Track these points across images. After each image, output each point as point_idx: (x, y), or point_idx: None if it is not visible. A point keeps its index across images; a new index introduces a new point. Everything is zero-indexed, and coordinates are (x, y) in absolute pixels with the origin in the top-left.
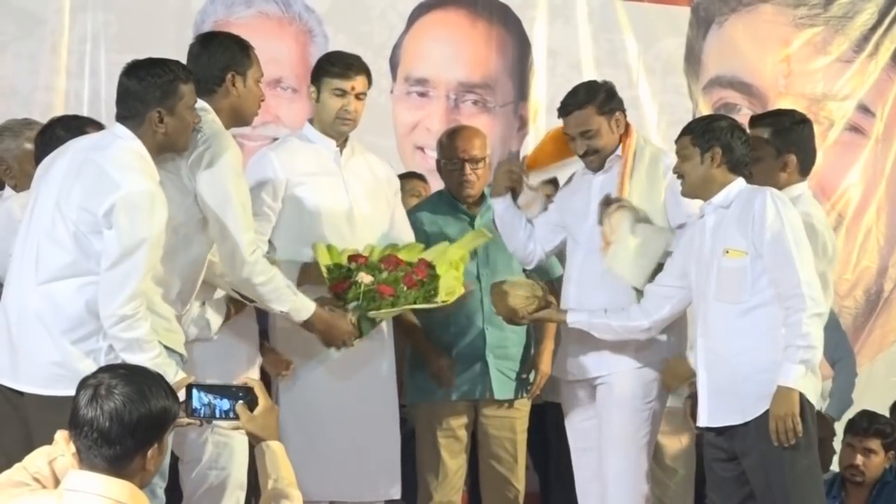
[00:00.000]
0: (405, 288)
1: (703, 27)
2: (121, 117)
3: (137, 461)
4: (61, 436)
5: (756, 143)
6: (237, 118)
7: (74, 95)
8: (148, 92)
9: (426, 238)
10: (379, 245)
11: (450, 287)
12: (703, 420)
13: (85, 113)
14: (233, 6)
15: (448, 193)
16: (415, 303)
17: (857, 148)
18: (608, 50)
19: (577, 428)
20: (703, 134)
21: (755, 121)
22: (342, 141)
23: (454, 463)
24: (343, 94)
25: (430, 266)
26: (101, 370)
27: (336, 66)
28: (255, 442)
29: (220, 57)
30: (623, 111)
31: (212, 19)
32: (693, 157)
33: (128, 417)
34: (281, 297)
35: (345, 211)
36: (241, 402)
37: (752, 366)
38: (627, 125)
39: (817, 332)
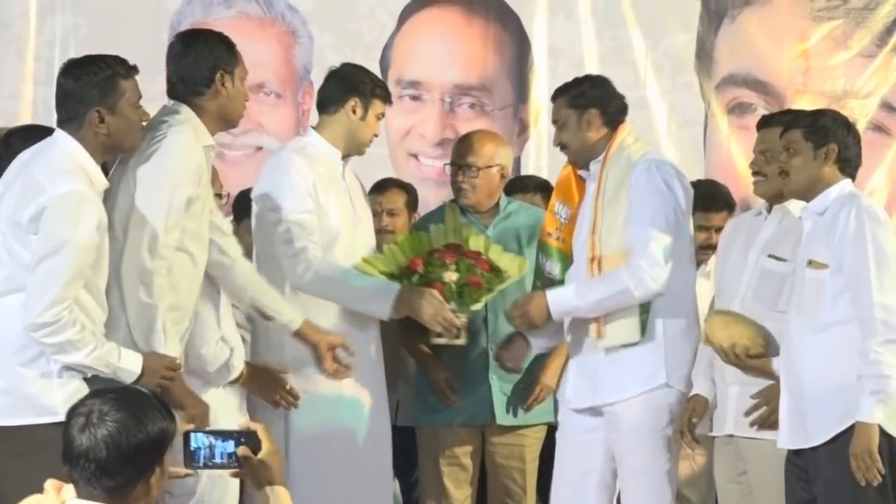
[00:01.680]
0: (484, 272)
1: (715, 21)
2: (61, 121)
3: (140, 488)
4: (51, 485)
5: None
6: (225, 120)
7: (42, 104)
8: (85, 91)
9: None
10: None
11: (510, 265)
12: (783, 438)
13: (54, 122)
14: (211, 6)
15: (458, 203)
16: (499, 284)
17: (882, 148)
18: (613, 47)
19: (569, 443)
20: (817, 128)
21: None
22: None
23: (459, 493)
24: (383, 117)
25: (482, 256)
26: (90, 396)
27: (385, 91)
28: (257, 487)
29: (207, 56)
30: (604, 109)
31: (189, 20)
32: (804, 153)
33: (125, 444)
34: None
35: (352, 223)
36: (243, 445)
37: (822, 387)
38: (615, 129)
39: (890, 360)
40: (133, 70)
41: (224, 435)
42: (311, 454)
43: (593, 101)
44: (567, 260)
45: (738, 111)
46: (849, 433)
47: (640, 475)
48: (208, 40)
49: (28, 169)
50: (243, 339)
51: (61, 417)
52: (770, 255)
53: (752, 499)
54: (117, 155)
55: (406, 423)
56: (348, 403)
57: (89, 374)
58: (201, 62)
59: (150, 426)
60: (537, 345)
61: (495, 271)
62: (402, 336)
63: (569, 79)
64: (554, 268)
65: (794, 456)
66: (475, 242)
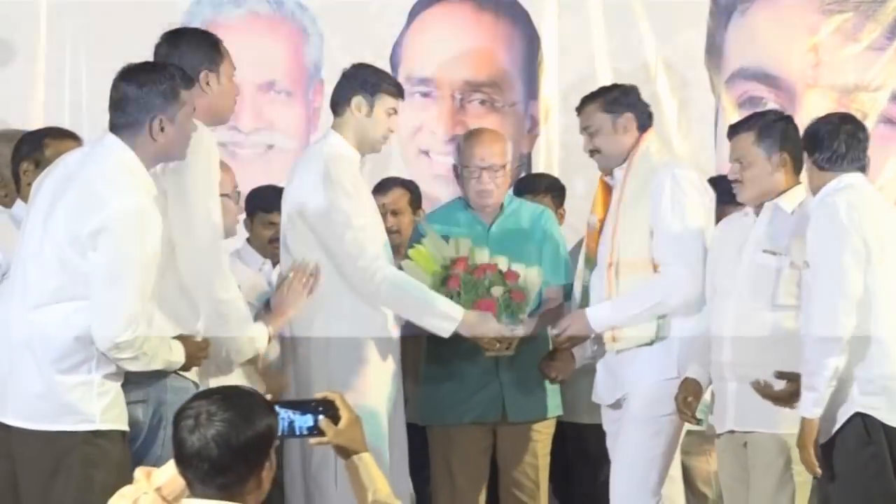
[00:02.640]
0: (517, 283)
1: (725, 16)
2: (115, 126)
3: (252, 483)
4: (141, 473)
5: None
6: (213, 118)
7: (55, 105)
8: (150, 98)
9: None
10: None
11: (527, 271)
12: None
13: (66, 124)
14: (221, 6)
15: (464, 200)
16: (532, 293)
17: (893, 141)
18: (623, 43)
19: None
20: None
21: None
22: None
23: (472, 490)
24: (395, 113)
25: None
26: (196, 398)
27: (393, 85)
28: (343, 456)
29: (190, 56)
30: (638, 114)
31: (199, 20)
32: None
33: (235, 442)
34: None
35: (377, 229)
36: (322, 416)
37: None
38: (641, 135)
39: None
40: (192, 81)
41: (303, 408)
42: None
43: (628, 106)
44: (593, 265)
45: (749, 105)
46: (845, 428)
47: (628, 455)
48: (192, 39)
49: (80, 175)
50: None
51: (98, 426)
52: (764, 251)
53: (754, 491)
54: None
55: (416, 422)
56: (368, 408)
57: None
58: (185, 63)
59: (257, 422)
60: (581, 358)
61: (525, 281)
62: None
63: (579, 75)
64: (586, 275)
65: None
66: (480, 255)
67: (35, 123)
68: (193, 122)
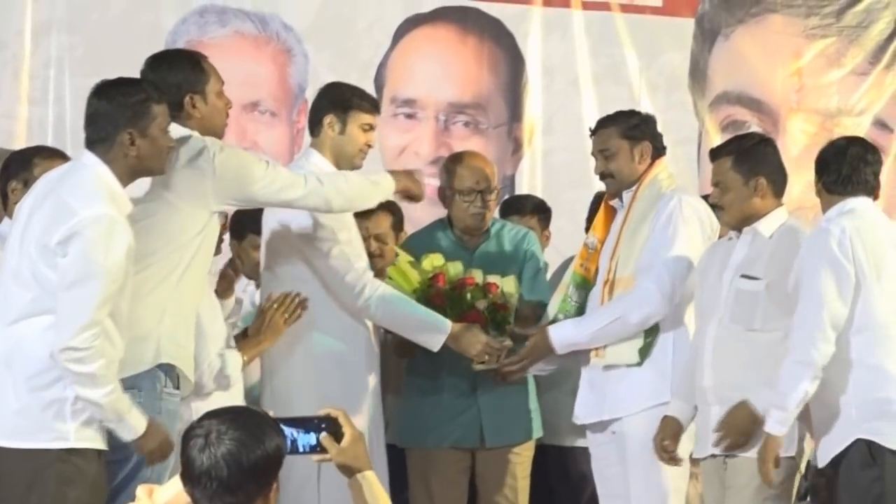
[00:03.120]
0: (499, 294)
1: (709, 40)
2: (90, 142)
3: (259, 503)
4: (143, 491)
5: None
6: (208, 135)
7: (38, 123)
8: (118, 112)
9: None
10: None
11: (505, 282)
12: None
13: (49, 142)
14: (206, 25)
15: (446, 223)
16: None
17: None
18: (608, 65)
19: (603, 475)
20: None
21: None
22: None
23: None
24: (371, 129)
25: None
26: (206, 416)
27: (366, 101)
28: (346, 475)
29: (171, 81)
30: (655, 146)
31: (184, 39)
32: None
33: (245, 461)
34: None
35: (359, 244)
36: (324, 433)
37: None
38: (653, 163)
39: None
40: (164, 96)
41: (306, 425)
42: (310, 467)
43: (647, 134)
44: (588, 286)
45: (732, 129)
46: (849, 452)
47: (648, 492)
48: (172, 63)
49: (56, 190)
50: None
51: (73, 444)
52: (743, 276)
53: None
54: (139, 178)
55: (395, 443)
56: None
57: (96, 417)
58: (166, 88)
59: (267, 442)
60: (536, 369)
61: (503, 292)
62: (399, 344)
63: (563, 97)
64: (574, 294)
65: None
66: (454, 269)
67: (18, 141)
68: (190, 132)
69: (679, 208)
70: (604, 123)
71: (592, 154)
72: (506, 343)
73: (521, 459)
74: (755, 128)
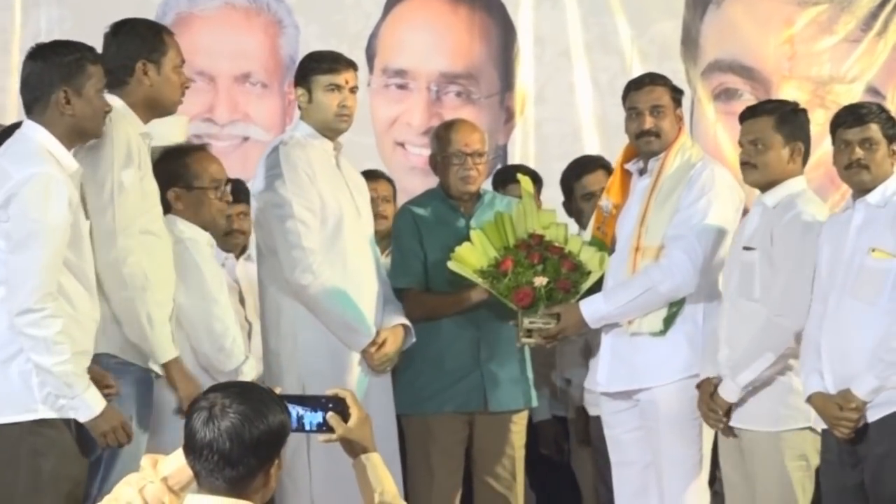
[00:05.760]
0: (570, 273)
1: (701, 8)
2: (27, 106)
3: (260, 479)
4: (147, 461)
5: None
6: (154, 109)
7: None
8: (53, 71)
9: (419, 238)
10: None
11: (591, 259)
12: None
13: None
14: None
15: (441, 191)
16: (585, 282)
17: None
18: (599, 35)
19: (619, 440)
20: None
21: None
22: (336, 143)
23: (448, 481)
24: (337, 88)
25: (565, 252)
26: (212, 389)
27: (324, 63)
28: (351, 455)
29: (128, 45)
30: (681, 112)
31: (174, 11)
32: (881, 148)
33: (248, 436)
34: None
35: (355, 217)
36: (331, 413)
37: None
38: (680, 128)
39: None
40: (99, 57)
41: (313, 404)
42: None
43: (679, 102)
44: (606, 250)
45: (725, 97)
46: None
47: (677, 463)
48: (133, 29)
49: (0, 161)
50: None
51: (41, 415)
52: (744, 247)
53: (755, 487)
54: (81, 142)
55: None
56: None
57: (44, 392)
58: (122, 52)
59: (271, 418)
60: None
61: (579, 269)
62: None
63: (555, 67)
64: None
65: (843, 440)
66: (555, 233)
67: (10, 115)
68: (108, 101)
69: (712, 179)
70: (653, 80)
71: (634, 110)
72: (550, 326)
73: (518, 429)
74: (748, 96)
